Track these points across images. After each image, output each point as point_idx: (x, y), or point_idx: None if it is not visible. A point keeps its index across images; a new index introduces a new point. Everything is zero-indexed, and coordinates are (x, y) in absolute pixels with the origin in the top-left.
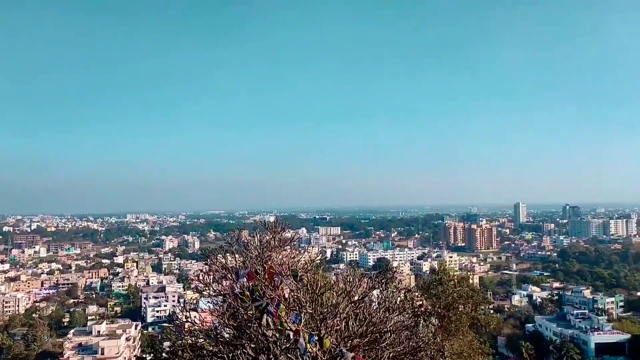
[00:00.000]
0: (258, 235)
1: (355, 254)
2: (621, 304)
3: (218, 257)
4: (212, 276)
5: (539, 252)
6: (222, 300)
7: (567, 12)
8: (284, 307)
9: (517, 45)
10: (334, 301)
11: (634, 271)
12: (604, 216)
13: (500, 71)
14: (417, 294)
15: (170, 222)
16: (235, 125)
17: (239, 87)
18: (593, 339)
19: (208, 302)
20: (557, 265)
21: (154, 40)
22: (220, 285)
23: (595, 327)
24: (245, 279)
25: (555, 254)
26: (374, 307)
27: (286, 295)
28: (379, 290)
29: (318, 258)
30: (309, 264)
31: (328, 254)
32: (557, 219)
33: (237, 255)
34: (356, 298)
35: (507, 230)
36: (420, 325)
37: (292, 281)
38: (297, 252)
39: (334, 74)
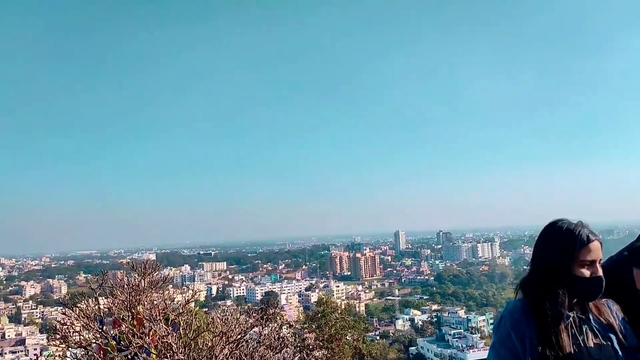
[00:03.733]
0: (126, 277)
1: (243, 289)
2: (491, 321)
3: (78, 305)
4: (71, 326)
5: (418, 277)
6: (85, 352)
7: None
8: (155, 355)
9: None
10: (209, 344)
11: (500, 290)
12: (472, 240)
13: (371, 104)
14: (303, 326)
15: (32, 266)
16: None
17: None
18: (469, 357)
19: (67, 357)
20: (434, 289)
21: None
22: (81, 336)
23: (471, 345)
24: (110, 327)
25: (432, 278)
26: (254, 346)
27: (157, 343)
28: (260, 328)
29: (193, 298)
30: (183, 306)
31: (214, 291)
32: (433, 245)
33: (103, 301)
34: (234, 338)
35: (389, 258)
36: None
37: (163, 326)
38: (178, 292)
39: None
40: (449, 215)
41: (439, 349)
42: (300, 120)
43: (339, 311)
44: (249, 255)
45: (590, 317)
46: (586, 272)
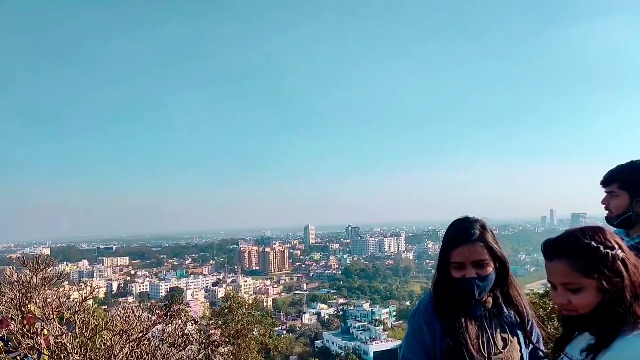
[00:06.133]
0: (16, 273)
1: (146, 285)
2: (394, 313)
3: None
4: None
5: (327, 271)
6: None
7: None
8: (47, 356)
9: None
10: (108, 343)
11: (404, 283)
12: (379, 235)
13: (289, 99)
14: (209, 322)
15: None
16: None
17: None
18: (372, 349)
19: None
20: (341, 282)
21: None
22: None
23: (374, 337)
24: None
25: (340, 272)
26: (156, 344)
27: (50, 343)
28: (163, 325)
29: (91, 295)
30: (80, 303)
31: (114, 287)
32: (342, 239)
33: None
34: (135, 336)
35: (298, 252)
36: (210, 357)
37: (57, 325)
38: (75, 289)
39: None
40: (359, 210)
41: (344, 342)
42: (210, 110)
43: (246, 306)
44: (154, 249)
45: (503, 311)
46: (456, 274)
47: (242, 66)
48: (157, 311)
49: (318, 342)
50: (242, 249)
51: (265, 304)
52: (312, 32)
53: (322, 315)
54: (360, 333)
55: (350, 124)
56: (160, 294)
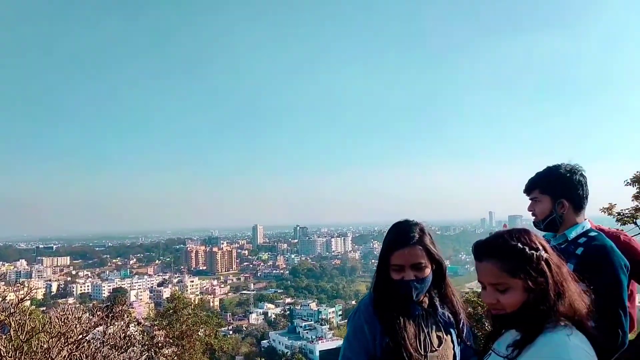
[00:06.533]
0: None
1: (88, 286)
2: (340, 313)
3: None
4: None
5: (274, 271)
6: None
7: None
8: None
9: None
10: (45, 346)
11: (350, 283)
12: (327, 235)
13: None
14: (153, 324)
15: None
16: None
17: None
18: (318, 348)
19: None
20: (289, 282)
21: None
22: None
23: (320, 336)
24: None
25: (287, 272)
26: (97, 346)
27: None
28: (104, 326)
29: (28, 296)
30: (16, 305)
31: (54, 288)
32: (290, 239)
33: None
34: (74, 338)
35: (246, 252)
36: (154, 358)
37: None
38: (10, 290)
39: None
40: (308, 211)
41: (290, 341)
42: (160, 107)
43: (192, 307)
44: (97, 249)
45: (438, 310)
46: (396, 276)
47: (194, 63)
48: (99, 312)
49: (265, 342)
50: (189, 248)
51: (211, 304)
52: (265, 29)
53: (269, 315)
54: (307, 332)
55: (300, 124)
56: (103, 295)
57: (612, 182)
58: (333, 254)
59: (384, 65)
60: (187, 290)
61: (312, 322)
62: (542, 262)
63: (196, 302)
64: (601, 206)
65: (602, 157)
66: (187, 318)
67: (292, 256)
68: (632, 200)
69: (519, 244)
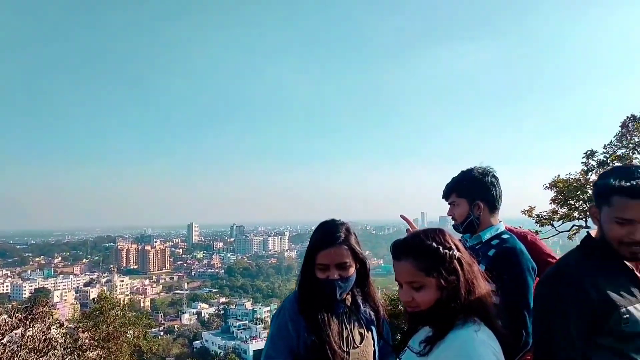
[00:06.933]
0: None
1: (7, 286)
2: (275, 312)
3: None
4: None
5: (209, 270)
6: None
7: None
8: None
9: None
10: None
11: (286, 282)
12: (264, 234)
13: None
14: (77, 325)
15: None
16: None
17: None
18: (252, 347)
19: None
20: (224, 282)
21: None
22: None
23: (254, 335)
24: None
25: (223, 271)
26: (14, 350)
27: None
28: (23, 329)
29: None
30: None
31: None
32: (226, 238)
33: None
34: None
35: (181, 250)
36: None
37: None
38: None
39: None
40: (246, 209)
41: (223, 341)
42: (89, 102)
43: (120, 307)
44: (18, 247)
45: (361, 308)
46: (321, 275)
47: (124, 61)
48: (17, 314)
49: (197, 343)
50: (119, 247)
51: (142, 304)
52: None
53: (203, 315)
54: (241, 332)
55: (240, 124)
56: (23, 296)
57: (533, 186)
58: (270, 252)
59: (326, 69)
60: (116, 290)
61: (247, 322)
62: (455, 261)
63: (125, 303)
64: (522, 208)
65: (526, 162)
66: (115, 319)
67: (228, 255)
68: (550, 204)
69: (434, 244)
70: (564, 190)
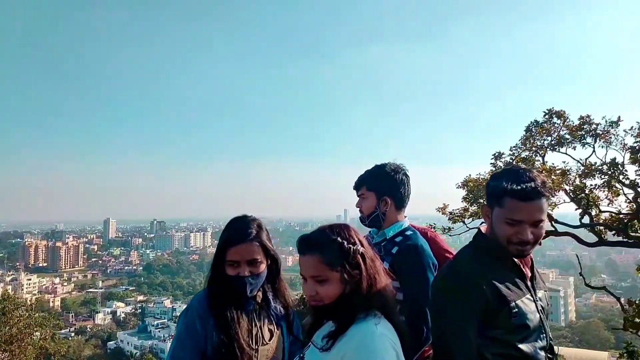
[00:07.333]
0: None
1: None
2: None
3: None
4: None
5: (127, 267)
6: None
7: None
8: None
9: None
10: None
11: (207, 278)
12: (185, 230)
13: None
14: None
15: None
16: None
17: None
18: (169, 346)
19: None
20: (142, 279)
21: None
22: None
23: (173, 334)
24: None
25: (141, 268)
26: None
27: None
28: None
29: None
30: None
31: None
32: (145, 234)
33: None
34: None
35: (96, 247)
36: None
37: None
38: None
39: None
40: (168, 205)
41: (140, 341)
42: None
43: (26, 307)
44: None
45: (271, 304)
46: (231, 271)
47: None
48: None
49: (111, 343)
50: (27, 243)
51: (51, 304)
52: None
53: (118, 314)
54: (159, 331)
55: (161, 118)
56: None
57: (449, 185)
58: (191, 249)
59: (258, 68)
60: (22, 290)
61: (166, 320)
62: (358, 256)
63: (32, 302)
64: (437, 206)
65: (444, 162)
66: (19, 320)
67: (147, 251)
68: (462, 202)
69: (339, 238)
70: (474, 189)
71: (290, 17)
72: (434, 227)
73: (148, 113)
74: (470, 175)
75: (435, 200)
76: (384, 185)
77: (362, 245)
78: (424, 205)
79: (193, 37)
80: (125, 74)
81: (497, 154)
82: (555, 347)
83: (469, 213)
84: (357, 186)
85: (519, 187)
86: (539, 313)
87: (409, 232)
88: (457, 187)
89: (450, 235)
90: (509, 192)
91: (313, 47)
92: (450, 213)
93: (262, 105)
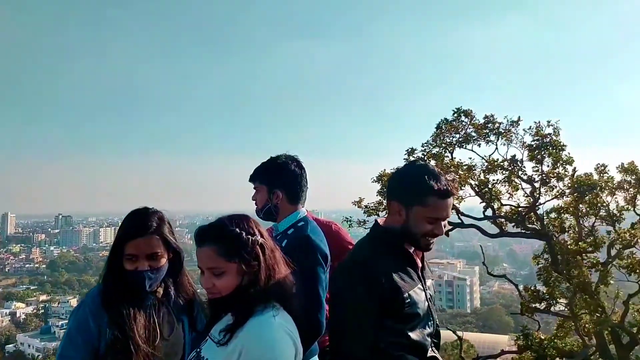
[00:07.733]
0: None
1: None
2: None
3: None
4: None
5: (27, 265)
6: None
7: None
8: None
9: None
10: None
11: None
12: (95, 225)
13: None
14: None
15: None
16: None
17: None
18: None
19: None
20: (45, 277)
21: None
22: None
23: None
24: None
25: (44, 266)
26: None
27: None
28: None
29: None
30: None
31: None
32: (49, 229)
33: None
34: None
35: None
36: None
37: None
38: None
39: None
40: (73, 199)
41: (43, 343)
42: None
43: None
44: None
45: (172, 299)
46: (129, 266)
47: None
48: None
49: (10, 347)
50: None
51: None
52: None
53: (18, 315)
54: (64, 332)
55: (77, 108)
56: None
57: (366, 180)
58: (101, 244)
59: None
60: None
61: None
62: (257, 247)
63: None
64: (353, 199)
65: (362, 157)
66: None
67: (52, 248)
68: (377, 195)
69: (237, 229)
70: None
71: (201, 9)
72: (349, 220)
73: (52, 101)
74: (385, 170)
75: (354, 194)
76: (274, 178)
77: (262, 236)
78: (342, 199)
79: (107, 23)
80: (28, 65)
81: (410, 150)
82: (460, 332)
83: (383, 206)
84: (252, 178)
85: (444, 187)
86: (428, 301)
87: (300, 223)
88: (373, 182)
89: (365, 228)
90: (435, 191)
91: (223, 40)
92: (366, 207)
93: (165, 98)
